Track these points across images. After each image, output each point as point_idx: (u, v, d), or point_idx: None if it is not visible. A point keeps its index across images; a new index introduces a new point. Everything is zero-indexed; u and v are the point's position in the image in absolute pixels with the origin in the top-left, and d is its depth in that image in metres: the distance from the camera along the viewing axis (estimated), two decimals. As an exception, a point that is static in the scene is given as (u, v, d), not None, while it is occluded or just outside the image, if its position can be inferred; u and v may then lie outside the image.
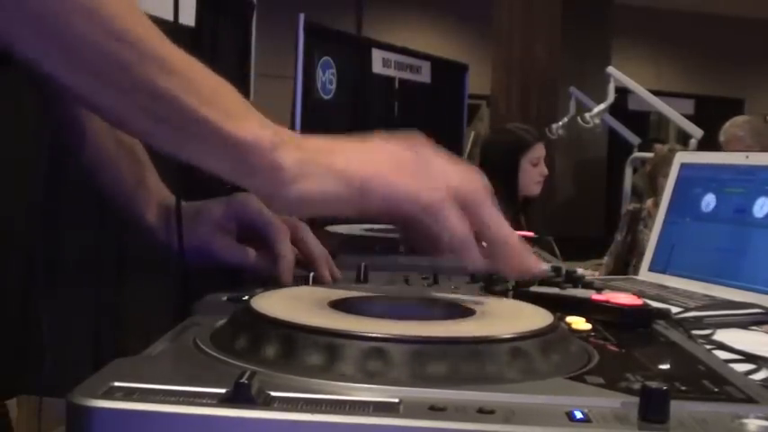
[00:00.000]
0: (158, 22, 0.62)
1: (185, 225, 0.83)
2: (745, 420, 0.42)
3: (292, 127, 3.51)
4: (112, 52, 0.58)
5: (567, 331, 0.59)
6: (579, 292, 0.76)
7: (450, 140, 4.98)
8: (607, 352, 0.58)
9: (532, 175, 3.29)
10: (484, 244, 0.65)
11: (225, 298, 0.70)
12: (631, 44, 8.62)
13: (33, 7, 0.56)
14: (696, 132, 3.58)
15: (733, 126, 3.64)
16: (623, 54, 7.45)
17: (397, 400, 0.43)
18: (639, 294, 0.85)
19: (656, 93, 3.99)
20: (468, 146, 6.38)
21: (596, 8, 5.85)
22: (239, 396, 0.41)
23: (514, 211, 3.24)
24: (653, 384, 0.43)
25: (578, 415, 0.42)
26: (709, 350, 0.79)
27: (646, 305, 0.70)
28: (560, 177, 5.67)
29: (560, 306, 0.69)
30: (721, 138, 3.65)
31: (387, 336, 0.49)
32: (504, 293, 0.77)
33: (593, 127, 4.08)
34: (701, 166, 1.47)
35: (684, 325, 0.82)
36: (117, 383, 0.43)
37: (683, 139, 4.19)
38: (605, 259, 3.57)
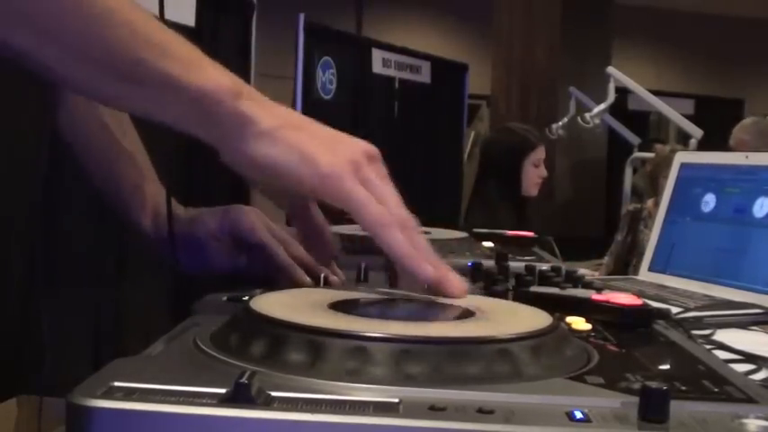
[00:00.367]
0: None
1: (181, 232, 0.84)
2: (745, 420, 0.42)
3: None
4: (69, 11, 0.59)
5: (566, 331, 0.60)
6: (579, 292, 0.76)
7: (450, 140, 4.99)
8: (607, 352, 0.58)
9: (533, 176, 3.30)
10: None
11: (225, 298, 0.70)
12: (631, 44, 8.62)
13: None
14: (696, 132, 3.58)
15: (740, 130, 3.65)
16: (623, 54, 7.45)
17: (397, 400, 0.43)
18: (639, 294, 0.85)
19: (656, 93, 3.99)
20: (469, 146, 6.38)
21: (596, 8, 5.86)
22: (239, 396, 0.41)
23: (516, 212, 3.24)
24: (653, 384, 0.43)
25: (578, 415, 0.42)
26: (709, 350, 0.79)
27: (646, 305, 0.70)
28: (560, 177, 5.67)
29: (560, 306, 0.69)
30: (731, 142, 3.66)
31: (387, 336, 0.49)
32: (503, 294, 0.77)
33: (593, 127, 4.08)
34: (701, 166, 1.47)
35: (684, 325, 0.82)
36: (117, 383, 0.43)
37: (683, 139, 4.19)
38: (605, 259, 3.56)
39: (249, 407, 0.41)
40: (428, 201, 4.39)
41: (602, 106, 3.99)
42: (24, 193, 1.47)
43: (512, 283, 0.82)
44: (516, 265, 0.95)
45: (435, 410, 0.42)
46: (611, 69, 3.97)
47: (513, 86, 5.83)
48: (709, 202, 1.40)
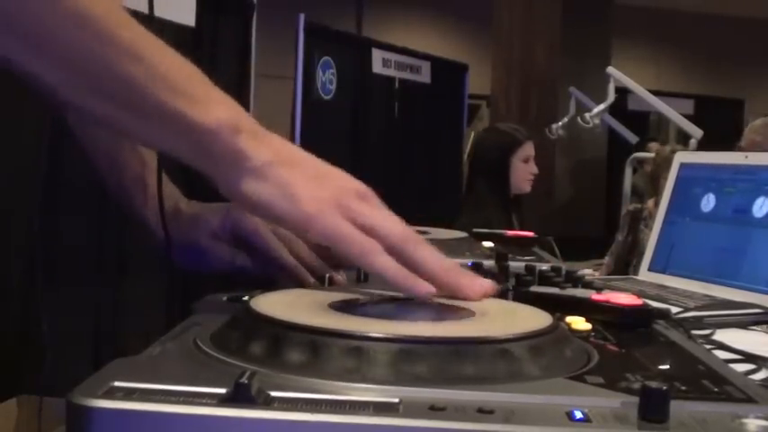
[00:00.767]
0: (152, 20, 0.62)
1: (182, 230, 0.84)
2: (745, 420, 0.42)
3: (292, 127, 3.51)
4: (76, 39, 0.59)
5: (566, 331, 0.60)
6: (579, 292, 0.76)
7: (450, 140, 4.99)
8: (607, 352, 0.58)
9: (523, 173, 3.33)
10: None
11: (225, 298, 0.70)
12: (631, 44, 8.62)
13: None
14: (696, 132, 3.58)
15: (751, 131, 3.65)
16: (623, 54, 7.45)
17: (397, 400, 0.43)
18: (639, 294, 0.85)
19: (656, 93, 3.99)
20: (469, 146, 6.38)
21: (596, 8, 5.85)
22: (239, 396, 0.41)
23: (506, 209, 3.27)
24: (653, 384, 0.43)
25: (578, 415, 0.42)
26: (709, 350, 0.79)
27: (646, 305, 0.70)
28: (560, 177, 5.68)
29: (560, 306, 0.69)
30: (742, 143, 3.66)
31: (386, 336, 0.49)
32: (503, 294, 0.77)
33: (592, 127, 4.08)
34: (701, 166, 1.47)
35: (684, 325, 0.82)
36: (117, 383, 0.43)
37: (683, 139, 4.19)
38: (606, 259, 3.57)
39: (249, 407, 0.41)
40: (428, 201, 4.39)
41: (602, 106, 3.99)
42: (24, 193, 1.47)
43: (512, 283, 0.82)
44: (516, 265, 0.95)
45: (435, 410, 0.42)
46: (611, 69, 3.97)
47: (513, 86, 5.83)
48: (708, 202, 1.40)
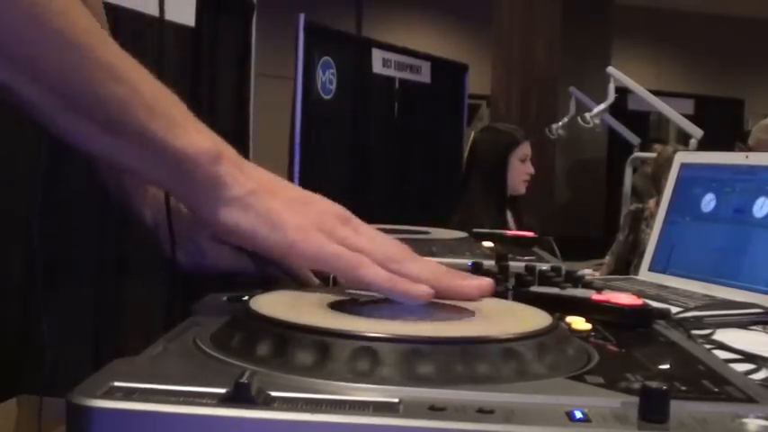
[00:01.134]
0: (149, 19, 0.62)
1: (182, 231, 0.84)
2: (745, 420, 0.42)
3: (292, 127, 3.51)
4: (56, 58, 0.59)
5: (566, 331, 0.60)
6: (579, 292, 0.76)
7: (450, 140, 4.99)
8: (607, 352, 0.58)
9: (520, 172, 3.34)
10: None
11: (225, 298, 0.70)
12: (631, 44, 8.62)
13: None
14: (696, 132, 3.58)
15: (759, 130, 3.66)
16: (623, 54, 7.45)
17: (396, 400, 0.43)
18: (639, 294, 0.85)
19: (656, 93, 4.00)
20: (469, 146, 6.38)
21: (596, 8, 5.86)
22: (239, 396, 0.41)
23: (501, 209, 3.27)
24: (653, 384, 0.43)
25: (578, 415, 0.42)
26: (709, 350, 0.79)
27: (646, 305, 0.70)
28: (560, 177, 5.68)
29: (560, 306, 0.69)
30: (750, 142, 3.67)
31: (386, 336, 0.49)
32: (503, 294, 0.77)
33: (593, 127, 4.08)
34: (701, 166, 1.47)
35: (684, 325, 0.82)
36: (117, 383, 0.43)
37: (683, 139, 4.19)
38: (606, 258, 3.57)
39: (249, 407, 0.41)
40: (428, 201, 4.40)
41: (602, 106, 4.00)
42: (24, 194, 1.47)
43: (512, 283, 0.82)
44: (516, 265, 0.94)
45: (435, 410, 0.42)
46: (611, 69, 3.97)
47: (513, 86, 5.83)
48: (709, 202, 1.40)
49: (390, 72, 4.42)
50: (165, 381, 0.43)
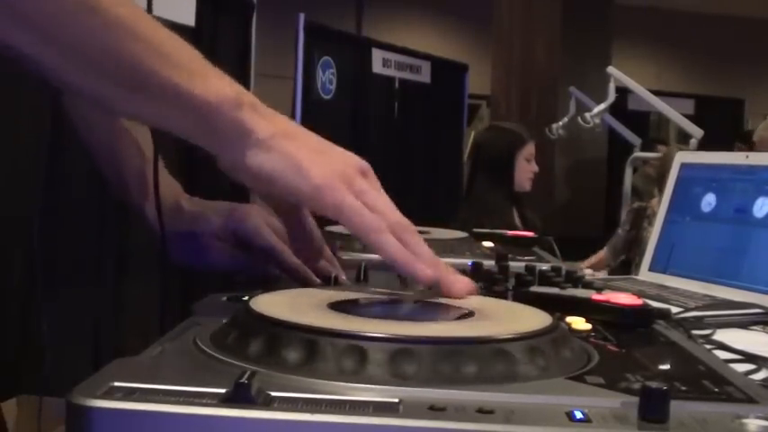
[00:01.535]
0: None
1: (183, 228, 0.84)
2: (745, 420, 0.42)
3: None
4: (75, 20, 0.59)
5: (566, 331, 0.59)
6: (579, 292, 0.76)
7: (450, 140, 4.99)
8: (607, 352, 0.58)
9: (525, 171, 3.35)
10: None
11: (225, 298, 0.70)
12: (631, 44, 8.62)
13: None
14: (696, 132, 3.58)
15: (763, 128, 3.68)
16: (623, 54, 7.45)
17: (396, 400, 0.43)
18: (639, 294, 0.85)
19: (656, 93, 4.00)
20: (469, 146, 6.37)
21: (596, 8, 5.85)
22: (239, 396, 0.41)
23: (509, 207, 3.28)
24: (653, 384, 0.43)
25: (578, 415, 0.42)
26: (710, 350, 0.79)
27: (646, 305, 0.70)
28: (560, 177, 5.67)
29: (560, 306, 0.69)
30: (754, 138, 3.69)
31: (386, 336, 0.49)
32: (503, 294, 0.77)
33: (593, 127, 4.08)
34: (701, 166, 1.47)
35: (684, 325, 0.82)
36: (117, 383, 0.43)
37: (683, 139, 4.19)
38: (604, 251, 3.58)
39: (249, 407, 0.41)
40: (428, 201, 4.40)
41: (602, 106, 3.99)
42: (24, 194, 1.47)
43: (512, 283, 0.82)
44: (516, 265, 0.95)
45: (435, 410, 0.42)
46: (611, 69, 3.97)
47: (513, 86, 5.83)
48: (709, 202, 1.40)
49: (390, 72, 4.42)
50: (165, 381, 0.43)
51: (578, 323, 0.65)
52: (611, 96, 3.94)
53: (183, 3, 2.54)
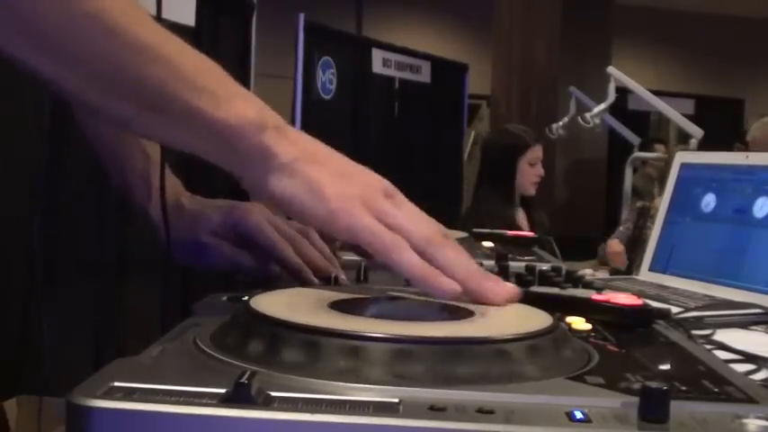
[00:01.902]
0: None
1: (183, 226, 0.84)
2: (746, 420, 0.42)
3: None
4: (94, 41, 0.59)
5: (566, 331, 0.59)
6: (579, 292, 0.76)
7: (450, 140, 4.99)
8: (607, 352, 0.58)
9: (529, 175, 3.34)
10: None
11: (225, 298, 0.70)
12: (631, 44, 8.62)
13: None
14: (696, 132, 3.58)
15: (755, 129, 3.69)
16: (623, 54, 7.45)
17: (396, 400, 0.43)
18: (639, 294, 0.85)
19: (656, 93, 4.00)
20: (468, 146, 6.38)
21: (596, 8, 5.86)
22: (239, 396, 0.41)
23: (510, 210, 3.28)
24: (653, 384, 0.43)
25: (578, 415, 0.42)
26: (710, 350, 0.79)
27: (646, 305, 0.70)
28: (560, 177, 5.68)
29: (560, 306, 0.69)
30: (747, 138, 3.71)
31: (386, 336, 0.49)
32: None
33: (593, 127, 4.08)
34: (701, 166, 1.47)
35: (684, 325, 0.82)
36: (117, 383, 0.43)
37: (684, 139, 4.19)
38: (614, 241, 3.58)
39: (249, 407, 0.41)
40: (428, 201, 4.39)
41: (603, 106, 4.00)
42: (24, 194, 1.47)
43: (512, 283, 0.82)
44: (516, 265, 0.95)
45: (435, 410, 0.42)
46: (611, 69, 3.97)
47: (513, 86, 5.83)
48: (709, 202, 1.40)
49: (390, 72, 4.42)
50: (165, 381, 0.43)
51: (578, 323, 0.65)
52: (611, 96, 3.95)
53: (183, 3, 2.54)
